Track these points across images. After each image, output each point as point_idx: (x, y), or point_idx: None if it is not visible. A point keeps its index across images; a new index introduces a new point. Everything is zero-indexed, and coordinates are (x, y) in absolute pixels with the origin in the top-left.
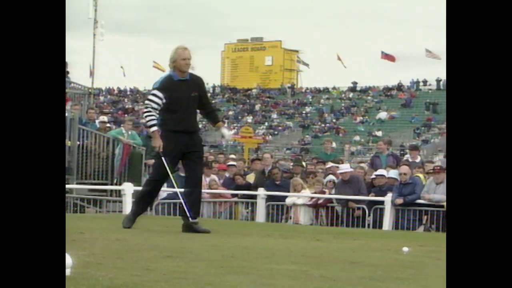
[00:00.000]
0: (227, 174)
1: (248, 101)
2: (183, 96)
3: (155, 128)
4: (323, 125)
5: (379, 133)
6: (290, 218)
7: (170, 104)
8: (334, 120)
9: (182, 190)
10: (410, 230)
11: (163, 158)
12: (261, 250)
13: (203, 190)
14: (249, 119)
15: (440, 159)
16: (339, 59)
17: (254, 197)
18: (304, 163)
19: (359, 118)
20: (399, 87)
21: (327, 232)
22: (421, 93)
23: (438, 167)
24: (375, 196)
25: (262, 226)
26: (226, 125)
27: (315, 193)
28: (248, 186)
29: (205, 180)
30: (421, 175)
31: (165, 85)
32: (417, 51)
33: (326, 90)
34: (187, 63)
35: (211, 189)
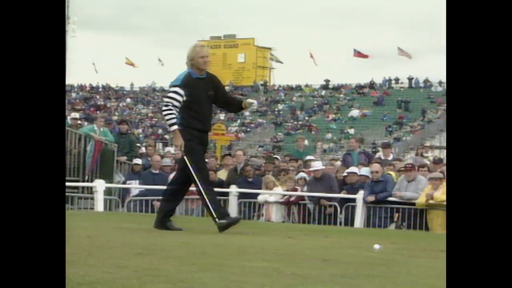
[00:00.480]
0: None
1: None
2: (202, 94)
3: (176, 127)
4: (295, 122)
5: (351, 131)
6: (262, 216)
7: (190, 102)
8: (306, 118)
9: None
10: (382, 228)
11: (185, 157)
12: (233, 247)
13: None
14: (222, 116)
15: (411, 157)
16: (311, 56)
17: (226, 194)
18: (278, 158)
19: (331, 116)
20: (371, 85)
21: (299, 230)
22: (393, 91)
23: (410, 165)
24: (347, 193)
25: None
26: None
27: (287, 190)
28: (220, 183)
29: None
30: (392, 173)
31: (186, 82)
32: (389, 49)
33: (298, 88)
34: (205, 60)
35: None
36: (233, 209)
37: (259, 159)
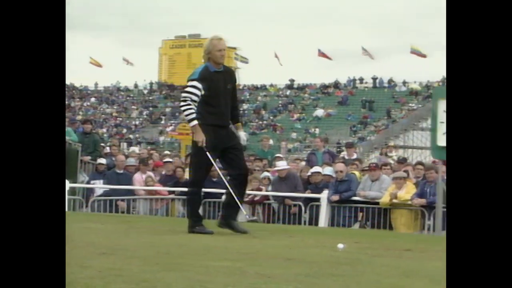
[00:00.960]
0: (163, 171)
1: None
2: (220, 88)
3: (195, 122)
4: (260, 122)
5: (316, 131)
6: None
7: (208, 97)
8: (271, 117)
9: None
10: (346, 227)
11: (207, 153)
12: (197, 247)
13: (141, 187)
14: None
15: (376, 156)
16: (276, 56)
17: None
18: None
19: (296, 116)
20: (336, 85)
21: (263, 229)
22: (358, 91)
23: (374, 164)
24: (311, 193)
25: None
26: (164, 121)
27: (252, 190)
28: (185, 183)
29: (142, 177)
30: (356, 172)
31: (204, 76)
32: (353, 49)
33: (263, 87)
34: (222, 54)
35: (147, 186)
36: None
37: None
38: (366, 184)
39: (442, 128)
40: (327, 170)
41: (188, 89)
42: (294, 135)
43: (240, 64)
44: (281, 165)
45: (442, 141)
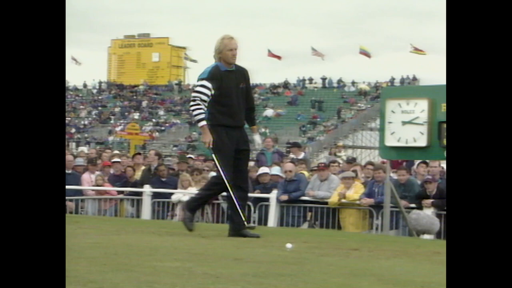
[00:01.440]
0: (111, 171)
1: (135, 97)
2: (232, 87)
3: (204, 122)
4: None
5: (266, 131)
6: (176, 215)
7: (219, 96)
8: None
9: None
10: (295, 227)
11: (213, 155)
12: (145, 248)
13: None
14: (136, 115)
15: (325, 156)
16: None
17: (139, 194)
18: (192, 158)
19: None
20: (285, 85)
21: (213, 229)
22: (307, 91)
23: (323, 164)
24: (260, 193)
25: (147, 223)
26: (112, 121)
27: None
28: (134, 183)
29: (90, 177)
30: (305, 172)
31: (214, 75)
32: (303, 49)
33: None
34: (234, 53)
35: (98, 185)
36: (146, 209)
37: (173, 158)
38: (315, 184)
39: (390, 128)
40: (276, 170)
41: (198, 88)
42: None
43: (189, 64)
44: None
45: (390, 141)
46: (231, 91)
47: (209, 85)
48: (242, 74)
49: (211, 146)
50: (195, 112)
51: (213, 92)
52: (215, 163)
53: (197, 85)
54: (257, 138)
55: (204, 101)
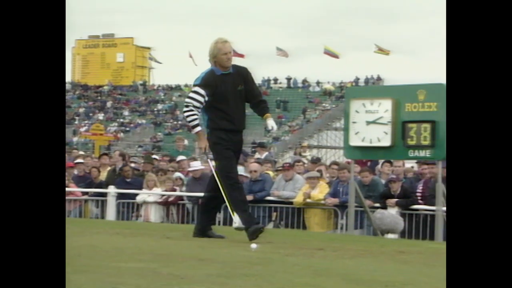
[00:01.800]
0: (75, 172)
1: (99, 98)
2: (229, 91)
3: (199, 128)
4: (175, 122)
5: None
6: (141, 216)
7: (215, 102)
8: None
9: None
10: None
11: (209, 161)
12: (109, 249)
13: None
14: (101, 116)
15: (290, 156)
16: (190, 56)
17: (104, 195)
18: (157, 158)
19: None
20: None
21: (177, 230)
22: (272, 91)
23: (287, 164)
24: None
25: (112, 224)
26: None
27: (166, 190)
28: (99, 184)
29: None
30: (270, 172)
31: (208, 81)
32: (267, 49)
33: (178, 87)
34: (228, 57)
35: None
36: (111, 210)
37: (138, 159)
38: (280, 184)
39: (354, 128)
40: (240, 170)
41: (191, 94)
42: None
43: (154, 64)
44: (195, 165)
45: (354, 140)
46: (228, 95)
47: (202, 91)
48: (240, 75)
49: (206, 151)
50: (189, 119)
51: (206, 98)
52: (211, 168)
53: (191, 91)
54: (270, 122)
55: (197, 107)
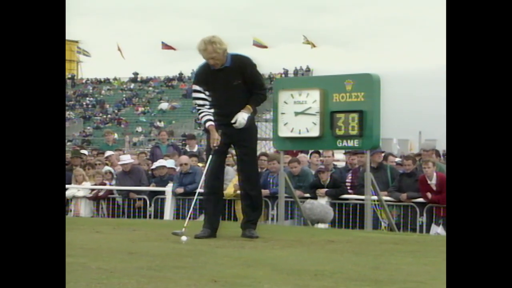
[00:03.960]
0: None
1: None
2: (221, 85)
3: (209, 123)
4: (104, 116)
5: (161, 124)
6: (71, 211)
7: (211, 97)
8: (115, 111)
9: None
10: (191, 220)
11: (210, 156)
12: None
13: None
14: None
15: None
16: (119, 49)
17: None
18: (86, 153)
19: (140, 109)
20: (180, 78)
21: (107, 224)
22: None
23: None
24: (156, 186)
25: None
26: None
27: (96, 184)
28: None
29: None
30: (201, 164)
31: (199, 77)
32: (196, 42)
33: (107, 81)
34: (213, 62)
35: None
36: None
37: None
38: None
39: (283, 119)
40: (169, 163)
41: (192, 94)
42: (139, 128)
43: (82, 58)
44: (125, 159)
45: (283, 131)
46: (220, 90)
47: (198, 88)
48: (236, 70)
49: (215, 145)
50: (200, 116)
51: (207, 92)
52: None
53: (192, 90)
54: (237, 116)
55: (202, 104)
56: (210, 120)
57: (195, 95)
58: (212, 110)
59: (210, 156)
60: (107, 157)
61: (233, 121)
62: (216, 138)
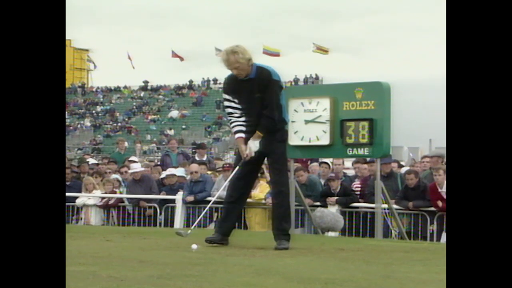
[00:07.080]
0: None
1: None
2: (245, 97)
3: (238, 134)
4: (114, 124)
5: (171, 132)
6: (81, 219)
7: (238, 104)
8: (126, 119)
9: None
10: (201, 228)
11: (237, 167)
12: None
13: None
14: None
15: (231, 157)
16: (129, 58)
17: None
18: (96, 162)
19: (150, 117)
20: (190, 86)
21: (118, 232)
22: (212, 91)
23: (227, 165)
24: (166, 194)
25: None
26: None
27: (106, 193)
28: None
29: None
30: (210, 173)
31: (229, 86)
32: (207, 50)
33: (117, 89)
34: (237, 72)
35: None
36: None
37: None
38: (221, 184)
39: (293, 127)
40: (179, 171)
41: (224, 103)
42: (149, 136)
43: (92, 66)
44: (135, 167)
45: (293, 140)
46: (245, 101)
47: (227, 97)
48: (259, 83)
49: (247, 157)
50: (230, 126)
51: (236, 101)
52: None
53: (223, 99)
54: (251, 145)
55: (231, 113)
56: (240, 131)
57: (226, 104)
58: (242, 119)
59: (237, 167)
60: (123, 166)
61: (245, 152)
62: (244, 150)
